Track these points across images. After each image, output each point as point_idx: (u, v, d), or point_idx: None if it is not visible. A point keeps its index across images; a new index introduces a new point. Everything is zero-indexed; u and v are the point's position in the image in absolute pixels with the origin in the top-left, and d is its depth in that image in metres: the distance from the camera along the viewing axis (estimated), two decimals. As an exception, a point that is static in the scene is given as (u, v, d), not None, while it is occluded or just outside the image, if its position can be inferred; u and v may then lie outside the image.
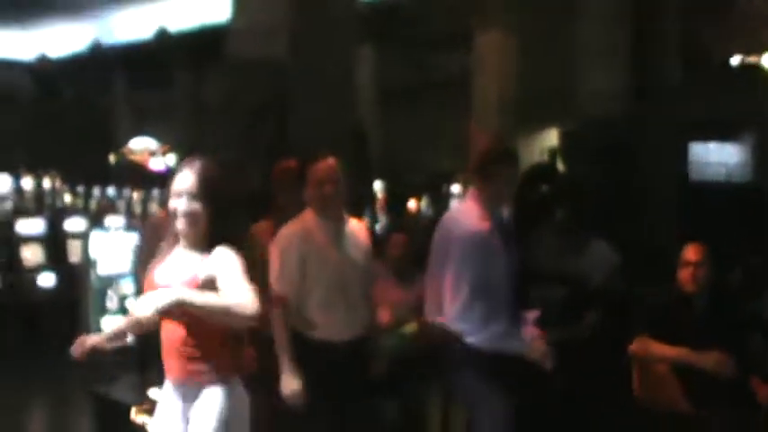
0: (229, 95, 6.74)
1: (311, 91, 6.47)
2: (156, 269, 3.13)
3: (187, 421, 3.08)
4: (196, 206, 3.01)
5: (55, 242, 10.08)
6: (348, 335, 4.26)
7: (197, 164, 3.07)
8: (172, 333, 3.05)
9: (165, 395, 3.19)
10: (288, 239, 4.26)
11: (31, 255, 10.06)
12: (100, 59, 20.36)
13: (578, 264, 4.86)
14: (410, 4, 15.83)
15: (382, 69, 17.49)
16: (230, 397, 3.04)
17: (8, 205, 11.35)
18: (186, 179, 3.03)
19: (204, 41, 15.73)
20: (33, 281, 9.87)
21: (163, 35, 19.21)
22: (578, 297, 4.72)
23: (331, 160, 4.27)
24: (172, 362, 3.09)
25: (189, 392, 3.08)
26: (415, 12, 15.85)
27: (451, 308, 3.98)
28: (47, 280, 9.79)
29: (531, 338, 4.13)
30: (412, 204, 16.98)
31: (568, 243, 4.95)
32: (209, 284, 2.95)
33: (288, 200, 4.80)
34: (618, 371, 4.58)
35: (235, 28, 6.95)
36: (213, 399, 3.03)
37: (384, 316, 5.33)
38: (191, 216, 3.02)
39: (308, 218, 4.31)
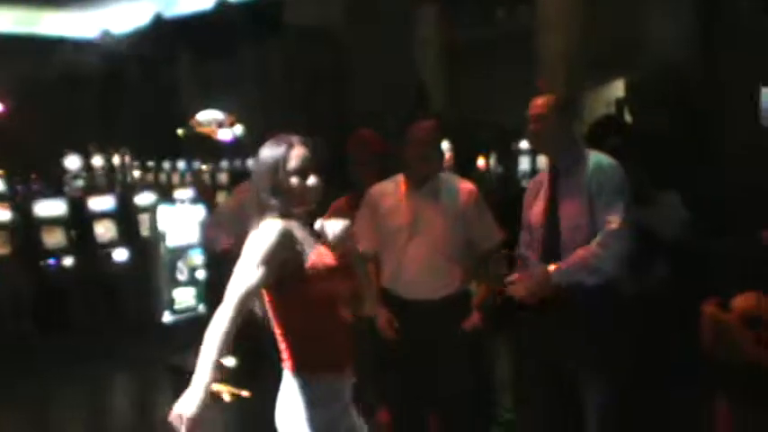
0: (287, 64, 6.71)
1: (369, 55, 6.39)
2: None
3: None
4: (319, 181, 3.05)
5: (126, 217, 10.25)
6: (414, 295, 4.28)
7: (302, 139, 3.08)
8: None
9: None
10: (367, 197, 4.46)
11: (104, 231, 10.24)
12: (162, 33, 20.52)
13: (646, 216, 4.73)
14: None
15: (447, 26, 17.26)
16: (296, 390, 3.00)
17: (79, 183, 11.56)
18: (308, 156, 3.04)
19: (265, 10, 15.71)
20: (107, 256, 10.05)
21: (223, 5, 19.26)
22: (645, 250, 4.59)
23: (427, 123, 4.38)
24: None
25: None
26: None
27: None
28: (120, 255, 9.97)
29: None
30: (480, 162, 16.80)
31: (636, 195, 4.81)
32: None
33: (364, 172, 4.80)
34: (688, 324, 4.46)
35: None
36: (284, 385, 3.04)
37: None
38: (319, 191, 3.05)
39: (399, 177, 4.44)
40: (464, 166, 15.95)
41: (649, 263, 4.88)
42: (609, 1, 10.98)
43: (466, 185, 4.51)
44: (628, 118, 9.08)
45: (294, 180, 3.00)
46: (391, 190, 4.43)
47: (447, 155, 15.82)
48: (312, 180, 3.02)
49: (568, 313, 3.92)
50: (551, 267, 3.93)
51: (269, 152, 3.04)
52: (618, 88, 11.05)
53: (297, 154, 3.02)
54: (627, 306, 4.07)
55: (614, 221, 3.88)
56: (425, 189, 4.35)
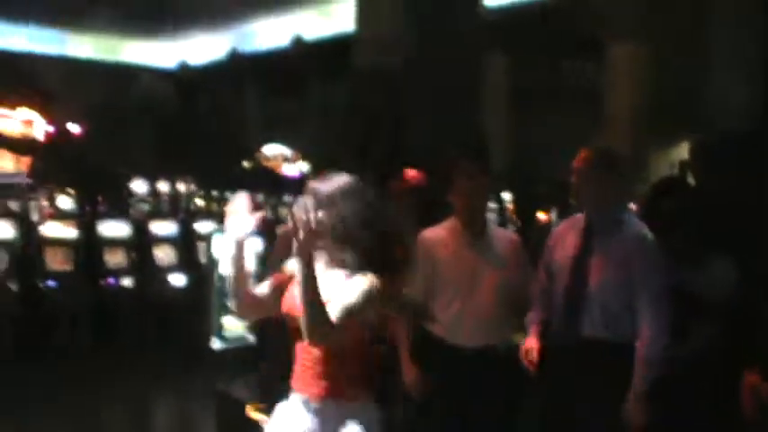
0: (350, 103, 6.84)
1: (429, 99, 6.48)
2: None
3: None
4: None
5: (186, 244, 10.45)
6: (476, 342, 4.29)
7: None
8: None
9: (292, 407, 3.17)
10: (420, 242, 4.41)
11: (164, 255, 10.45)
12: (236, 68, 20.97)
13: (696, 279, 4.71)
14: (544, 10, 15.66)
15: (514, 76, 17.33)
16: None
17: (144, 207, 11.81)
18: None
19: (335, 50, 15.97)
20: (165, 280, 10.24)
21: (298, 43, 19.64)
22: (693, 314, 4.56)
23: (475, 168, 4.36)
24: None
25: (327, 409, 3.07)
26: (548, 18, 15.68)
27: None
28: (178, 280, 10.14)
29: None
30: (542, 216, 16.73)
31: (688, 258, 4.80)
32: None
33: (401, 207, 4.86)
34: (731, 390, 4.40)
35: (359, 37, 7.04)
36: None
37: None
38: None
39: (449, 223, 4.45)
40: (524, 218, 15.97)
41: (696, 327, 4.84)
42: (677, 63, 10.95)
43: (510, 234, 4.59)
44: (690, 180, 9.02)
45: None
46: (445, 237, 4.42)
47: (509, 206, 15.90)
48: None
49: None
50: None
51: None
52: (683, 150, 10.98)
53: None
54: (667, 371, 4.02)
55: (655, 303, 3.91)
56: (482, 239, 4.37)
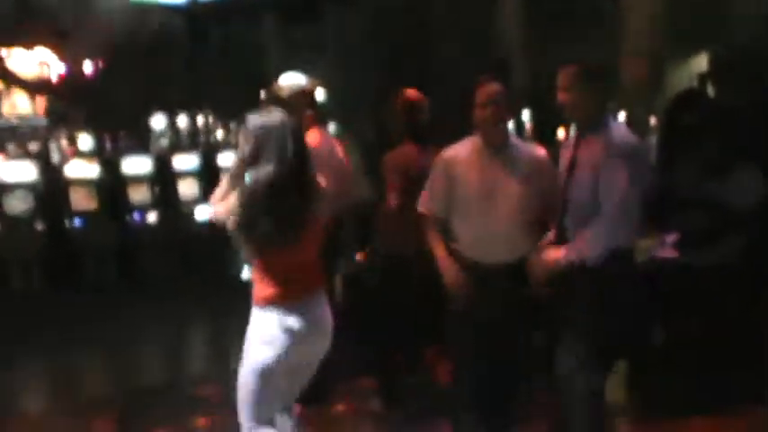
0: (370, 28, 6.77)
1: (452, 26, 6.41)
2: None
3: None
4: None
5: (209, 177, 10.50)
6: (494, 258, 4.31)
7: None
8: None
9: None
10: (440, 160, 4.48)
11: (187, 189, 10.52)
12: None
13: (722, 190, 4.72)
14: None
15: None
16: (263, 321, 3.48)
17: (164, 142, 11.84)
18: None
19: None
20: (190, 214, 10.32)
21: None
22: (720, 222, 4.59)
23: (493, 84, 4.34)
24: None
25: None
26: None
27: None
28: (202, 213, 10.22)
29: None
30: (561, 133, 16.64)
31: (714, 169, 4.80)
32: None
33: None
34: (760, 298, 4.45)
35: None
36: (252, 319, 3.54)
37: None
38: None
39: (470, 141, 4.45)
40: (544, 135, 15.89)
41: (723, 236, 4.87)
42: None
43: (536, 150, 4.53)
44: (710, 92, 8.94)
45: None
46: (464, 155, 4.42)
47: (527, 124, 15.83)
48: None
49: (580, 290, 3.89)
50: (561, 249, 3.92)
51: None
52: (702, 62, 10.85)
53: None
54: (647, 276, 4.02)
55: (616, 194, 3.79)
56: (502, 155, 4.35)
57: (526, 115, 15.27)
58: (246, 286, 3.65)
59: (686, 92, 7.66)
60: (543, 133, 15.76)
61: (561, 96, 4.02)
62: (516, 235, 4.29)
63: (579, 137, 4.08)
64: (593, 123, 3.97)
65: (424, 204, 4.50)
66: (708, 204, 4.89)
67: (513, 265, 4.26)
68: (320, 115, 5.56)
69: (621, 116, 12.25)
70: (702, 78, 9.73)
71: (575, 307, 3.88)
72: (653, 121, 11.22)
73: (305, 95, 5.47)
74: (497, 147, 4.36)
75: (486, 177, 4.31)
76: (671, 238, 4.82)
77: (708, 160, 5.28)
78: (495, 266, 4.30)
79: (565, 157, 4.11)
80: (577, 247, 3.84)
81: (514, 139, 4.54)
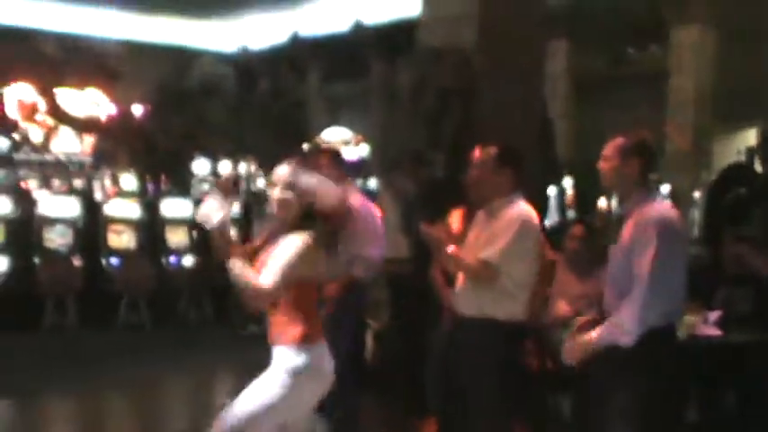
0: (417, 84, 6.80)
1: (498, 81, 6.42)
2: None
3: None
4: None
5: (247, 223, 10.54)
6: (462, 309, 4.44)
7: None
8: None
9: None
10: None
11: (226, 235, 10.55)
12: (297, 50, 21.02)
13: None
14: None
15: (576, 63, 17.12)
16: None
17: (206, 187, 11.95)
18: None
19: (398, 33, 15.93)
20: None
21: (358, 26, 19.60)
22: (765, 301, 4.49)
23: (480, 149, 4.45)
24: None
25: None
26: (612, 4, 15.45)
27: None
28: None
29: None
30: (603, 202, 16.55)
31: (760, 245, 4.71)
32: None
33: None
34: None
35: (424, 18, 7.02)
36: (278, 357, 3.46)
37: (561, 308, 5.26)
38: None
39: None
40: (585, 205, 15.82)
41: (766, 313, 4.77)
42: (743, 50, 10.72)
43: (515, 212, 4.41)
44: (758, 167, 8.85)
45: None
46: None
47: (569, 193, 15.76)
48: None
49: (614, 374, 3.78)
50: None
51: None
52: (750, 137, 10.77)
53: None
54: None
55: (640, 276, 3.66)
56: (485, 211, 4.45)
57: (567, 184, 15.27)
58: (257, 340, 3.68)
59: (734, 165, 7.59)
60: (584, 203, 15.73)
61: (603, 165, 3.97)
62: (470, 292, 4.40)
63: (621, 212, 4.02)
64: (632, 195, 3.90)
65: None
66: (754, 282, 4.78)
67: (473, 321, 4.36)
68: (345, 174, 5.46)
69: (665, 188, 12.17)
70: (750, 153, 9.66)
71: (609, 392, 3.78)
72: (697, 194, 11.13)
73: (325, 155, 5.45)
74: (483, 207, 4.46)
75: (470, 237, 4.50)
76: (714, 315, 4.69)
77: (755, 236, 5.19)
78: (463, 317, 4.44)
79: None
80: (609, 330, 3.72)
81: (509, 199, 4.44)
